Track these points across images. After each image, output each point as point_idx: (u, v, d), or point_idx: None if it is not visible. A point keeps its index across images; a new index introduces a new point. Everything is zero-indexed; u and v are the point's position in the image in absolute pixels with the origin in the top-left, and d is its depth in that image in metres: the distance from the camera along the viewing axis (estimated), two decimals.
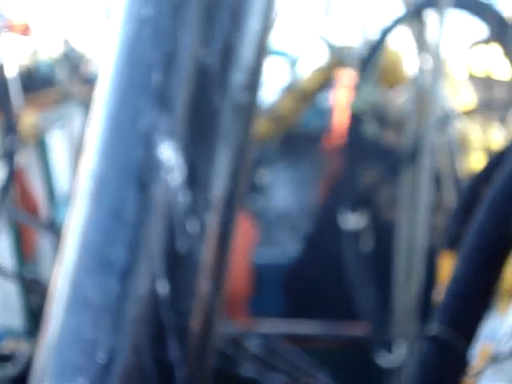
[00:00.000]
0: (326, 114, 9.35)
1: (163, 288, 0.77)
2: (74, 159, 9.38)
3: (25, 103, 8.00)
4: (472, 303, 1.15)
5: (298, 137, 9.77)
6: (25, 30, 8.74)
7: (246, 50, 0.80)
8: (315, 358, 4.79)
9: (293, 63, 10.08)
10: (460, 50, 5.59)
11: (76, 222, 0.81)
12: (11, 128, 7.32)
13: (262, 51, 0.83)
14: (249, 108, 0.82)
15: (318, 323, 6.04)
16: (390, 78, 5.64)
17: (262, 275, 7.70)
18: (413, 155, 4.44)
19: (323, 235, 7.11)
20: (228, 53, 0.80)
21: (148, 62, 0.79)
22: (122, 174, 0.78)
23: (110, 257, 0.77)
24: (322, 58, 6.61)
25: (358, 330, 5.25)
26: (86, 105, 8.52)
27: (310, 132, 9.58)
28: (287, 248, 8.66)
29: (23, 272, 5.91)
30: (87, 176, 0.80)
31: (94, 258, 0.78)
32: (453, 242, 1.94)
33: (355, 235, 4.69)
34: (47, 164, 8.87)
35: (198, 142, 0.79)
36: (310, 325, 6.04)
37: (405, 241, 4.60)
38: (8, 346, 5.28)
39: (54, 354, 0.78)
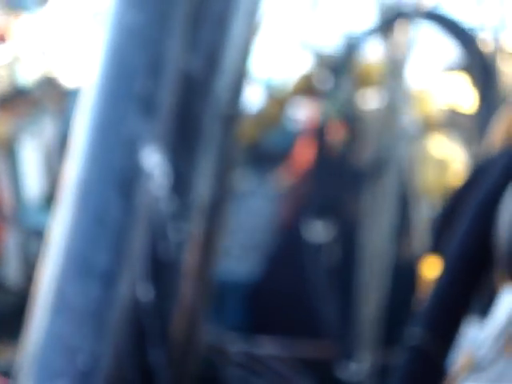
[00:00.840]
0: (292, 135, 9.43)
1: (146, 293, 0.77)
2: (44, 167, 9.31)
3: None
4: (451, 311, 1.17)
5: (263, 155, 9.82)
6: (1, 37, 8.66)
7: (230, 58, 0.81)
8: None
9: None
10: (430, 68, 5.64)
11: (60, 227, 0.80)
12: None
13: (246, 59, 0.83)
14: (233, 115, 0.83)
15: (277, 342, 6.02)
16: (364, 84, 5.65)
17: (225, 291, 7.68)
18: (377, 168, 4.48)
19: (287, 251, 7.12)
20: (213, 60, 0.80)
21: (132, 68, 0.79)
22: (106, 180, 0.79)
23: (93, 262, 0.77)
24: (305, 64, 6.62)
25: (319, 349, 5.24)
26: (58, 114, 8.51)
27: (276, 151, 9.64)
28: (250, 264, 8.66)
29: None
30: (71, 182, 0.80)
31: (78, 264, 0.78)
32: (434, 248, 1.96)
33: (319, 249, 4.71)
34: (16, 170, 8.80)
35: (181, 148, 0.79)
36: (270, 343, 6.02)
37: (369, 254, 4.62)
38: None
39: (36, 359, 0.78)
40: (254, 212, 9.48)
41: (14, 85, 8.03)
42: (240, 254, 8.84)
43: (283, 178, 9.38)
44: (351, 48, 4.76)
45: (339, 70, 4.84)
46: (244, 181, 9.93)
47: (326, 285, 4.71)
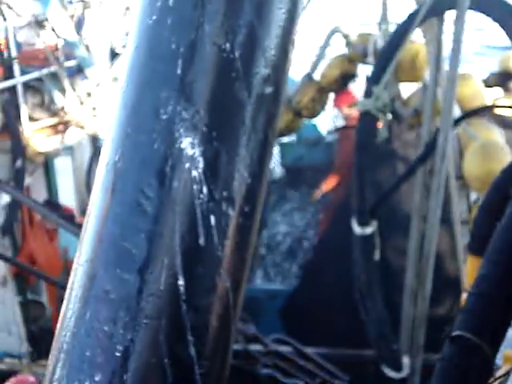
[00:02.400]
0: (331, 148, 9.40)
1: (183, 282, 0.75)
2: (77, 182, 9.53)
3: (35, 129, 8.18)
4: (499, 306, 1.13)
5: (301, 169, 9.82)
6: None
7: (270, 42, 0.79)
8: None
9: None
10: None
11: (95, 214, 0.79)
12: (20, 151, 7.48)
13: (287, 43, 0.81)
14: (273, 101, 0.81)
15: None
16: (408, 74, 5.55)
17: (261, 302, 7.66)
18: (425, 156, 4.36)
19: (324, 263, 7.05)
20: (252, 44, 0.78)
21: (170, 52, 0.77)
22: (143, 166, 0.77)
23: (130, 250, 0.75)
24: (340, 51, 6.54)
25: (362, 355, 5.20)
26: (93, 134, 8.77)
27: (315, 165, 9.64)
28: (287, 275, 8.66)
29: None
30: (107, 168, 0.79)
31: (113, 251, 0.76)
32: (477, 246, 1.91)
33: (366, 246, 4.62)
34: (52, 185, 9.03)
35: (220, 134, 0.77)
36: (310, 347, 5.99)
37: (415, 251, 4.53)
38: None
39: (71, 348, 0.76)
40: (292, 222, 9.48)
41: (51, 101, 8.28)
42: (278, 264, 8.83)
43: (323, 188, 9.38)
44: (396, 39, 4.65)
45: (382, 61, 4.73)
46: (283, 190, 9.95)
47: (370, 285, 4.64)
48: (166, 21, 0.78)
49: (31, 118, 8.30)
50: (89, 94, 8.70)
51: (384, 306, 4.60)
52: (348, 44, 6.33)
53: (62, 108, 8.57)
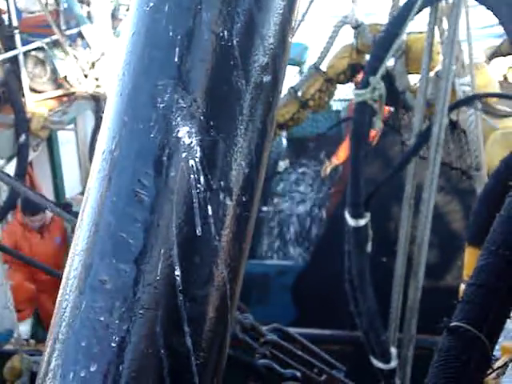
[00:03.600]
0: (340, 119, 9.30)
1: (179, 273, 0.74)
2: (82, 155, 9.45)
3: (37, 102, 8.09)
4: (498, 298, 1.13)
5: (311, 142, 9.74)
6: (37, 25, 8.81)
7: (269, 30, 0.78)
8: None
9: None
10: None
11: (91, 203, 0.78)
12: (23, 126, 7.38)
13: (286, 31, 0.80)
14: (272, 90, 0.80)
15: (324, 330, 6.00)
16: (417, 65, 5.52)
17: (271, 279, 7.66)
18: (418, 147, 4.34)
19: (335, 241, 7.04)
20: (251, 32, 0.77)
21: (167, 39, 0.76)
22: (140, 155, 0.76)
23: (126, 239, 0.75)
24: (348, 40, 6.49)
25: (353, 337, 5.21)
26: (97, 104, 8.64)
27: (325, 137, 9.54)
28: (298, 254, 8.64)
29: None
30: (103, 156, 0.78)
31: (110, 241, 0.76)
32: (476, 237, 1.91)
33: (358, 238, 4.61)
34: (55, 159, 8.95)
35: (218, 123, 0.76)
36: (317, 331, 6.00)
37: (406, 239, 4.52)
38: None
39: (66, 338, 0.76)
40: (301, 199, 9.46)
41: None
42: (287, 243, 8.82)
43: (332, 164, 9.29)
44: (392, 29, 4.62)
45: (379, 52, 4.69)
46: (292, 168, 9.88)
47: (362, 277, 4.63)
48: (163, 8, 0.77)
49: (33, 90, 8.18)
50: (93, 65, 8.57)
51: (375, 298, 4.60)
52: (357, 34, 6.27)
53: (65, 78, 8.45)
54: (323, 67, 6.64)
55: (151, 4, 0.77)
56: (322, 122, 9.82)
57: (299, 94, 6.69)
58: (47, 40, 8.34)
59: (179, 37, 0.76)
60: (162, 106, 0.76)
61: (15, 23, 7.87)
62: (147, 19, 0.78)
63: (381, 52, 4.63)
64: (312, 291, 7.19)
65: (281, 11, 0.79)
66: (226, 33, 0.76)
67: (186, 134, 0.75)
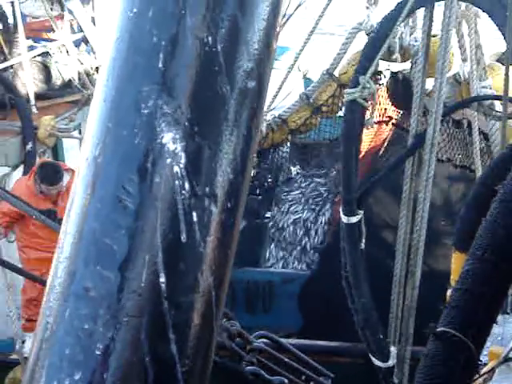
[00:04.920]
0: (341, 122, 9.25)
1: (164, 280, 0.74)
2: None
3: (43, 108, 8.04)
4: (484, 303, 1.13)
5: (316, 146, 9.71)
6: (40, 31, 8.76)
7: (254, 35, 0.78)
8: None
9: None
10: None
11: (76, 210, 0.78)
12: (31, 134, 7.35)
13: (271, 37, 0.80)
14: (257, 95, 0.80)
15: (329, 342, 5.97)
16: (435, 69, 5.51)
17: (278, 288, 7.63)
18: (414, 148, 4.34)
19: (339, 248, 6.99)
20: (235, 37, 0.77)
21: (151, 45, 0.76)
22: (124, 162, 0.75)
23: (110, 246, 0.74)
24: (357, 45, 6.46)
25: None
26: None
27: (328, 140, 9.52)
28: (303, 262, 8.59)
29: None
30: (87, 163, 0.78)
31: (94, 248, 0.75)
32: (462, 242, 1.90)
33: (352, 235, 4.62)
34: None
35: (202, 129, 0.76)
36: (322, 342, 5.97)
37: (404, 239, 4.51)
38: None
39: (50, 346, 0.75)
40: (307, 210, 9.42)
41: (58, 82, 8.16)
42: (291, 251, 8.78)
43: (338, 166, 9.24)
44: (383, 29, 4.62)
45: (369, 52, 4.69)
46: (297, 173, 9.85)
47: (357, 274, 4.64)
48: (146, 13, 0.76)
49: (38, 95, 8.11)
50: (97, 70, 8.52)
51: (371, 295, 4.59)
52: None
53: (70, 82, 8.39)
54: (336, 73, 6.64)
55: (135, 10, 0.77)
56: (325, 127, 9.82)
57: (311, 100, 6.70)
58: (52, 44, 8.29)
59: (163, 42, 0.75)
60: (146, 111, 0.75)
61: (21, 29, 7.82)
62: (131, 25, 0.77)
63: (371, 52, 4.64)
64: (318, 299, 7.14)
65: (265, 17, 0.78)
66: (210, 38, 0.75)
67: (170, 140, 0.75)
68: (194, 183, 0.75)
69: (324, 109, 6.75)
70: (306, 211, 9.04)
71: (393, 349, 4.64)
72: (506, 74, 3.29)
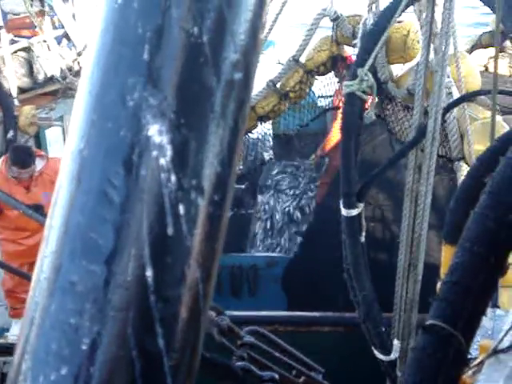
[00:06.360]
0: (326, 114, 9.34)
1: (151, 273, 0.73)
2: None
3: (24, 99, 8.13)
4: (473, 295, 1.12)
5: (298, 136, 9.76)
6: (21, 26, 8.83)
7: (240, 26, 0.77)
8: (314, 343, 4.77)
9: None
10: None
11: (61, 204, 0.77)
12: (11, 123, 7.41)
13: (257, 27, 0.79)
14: (243, 87, 0.79)
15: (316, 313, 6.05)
16: (399, 54, 5.53)
17: (262, 272, 7.69)
18: (416, 140, 4.34)
19: (322, 232, 7.05)
20: (221, 28, 0.76)
21: (136, 36, 0.75)
22: (109, 154, 0.75)
23: (96, 240, 0.73)
24: (326, 33, 6.48)
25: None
26: None
27: (311, 132, 9.59)
28: (287, 246, 8.66)
29: None
30: (72, 156, 0.77)
31: (79, 242, 0.74)
32: (452, 235, 1.90)
33: (352, 228, 4.62)
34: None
35: (189, 121, 0.75)
36: (309, 313, 6.04)
37: (407, 231, 4.51)
38: None
39: (35, 341, 0.75)
40: (291, 190, 9.47)
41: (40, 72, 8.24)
42: (275, 234, 8.83)
43: (319, 155, 9.35)
44: (382, 21, 4.61)
45: (368, 44, 4.68)
46: (279, 160, 9.89)
47: (357, 266, 4.64)
48: (132, 4, 0.76)
49: (20, 89, 8.23)
50: (78, 63, 8.59)
51: (372, 287, 4.60)
52: (336, 26, 6.28)
53: (52, 77, 8.49)
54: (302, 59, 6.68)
55: (120, 1, 0.76)
56: (308, 117, 9.87)
57: (278, 86, 6.75)
58: (34, 40, 8.37)
59: (149, 34, 0.75)
60: (131, 104, 0.74)
61: (1, 23, 7.91)
62: (116, 16, 0.77)
63: (370, 44, 4.63)
64: (301, 281, 7.25)
65: (251, 7, 0.78)
66: (195, 29, 0.75)
67: (156, 132, 0.74)
68: (181, 176, 0.75)
69: (291, 95, 6.86)
70: (288, 197, 9.10)
71: (396, 342, 4.64)
72: (496, 56, 3.28)
